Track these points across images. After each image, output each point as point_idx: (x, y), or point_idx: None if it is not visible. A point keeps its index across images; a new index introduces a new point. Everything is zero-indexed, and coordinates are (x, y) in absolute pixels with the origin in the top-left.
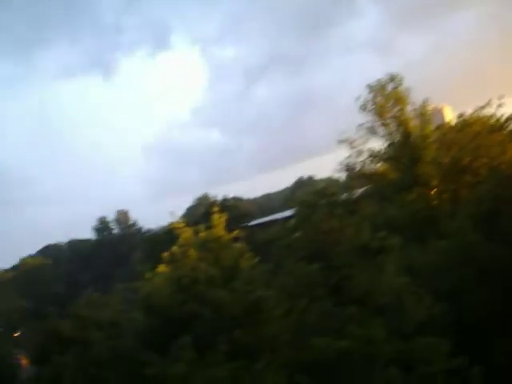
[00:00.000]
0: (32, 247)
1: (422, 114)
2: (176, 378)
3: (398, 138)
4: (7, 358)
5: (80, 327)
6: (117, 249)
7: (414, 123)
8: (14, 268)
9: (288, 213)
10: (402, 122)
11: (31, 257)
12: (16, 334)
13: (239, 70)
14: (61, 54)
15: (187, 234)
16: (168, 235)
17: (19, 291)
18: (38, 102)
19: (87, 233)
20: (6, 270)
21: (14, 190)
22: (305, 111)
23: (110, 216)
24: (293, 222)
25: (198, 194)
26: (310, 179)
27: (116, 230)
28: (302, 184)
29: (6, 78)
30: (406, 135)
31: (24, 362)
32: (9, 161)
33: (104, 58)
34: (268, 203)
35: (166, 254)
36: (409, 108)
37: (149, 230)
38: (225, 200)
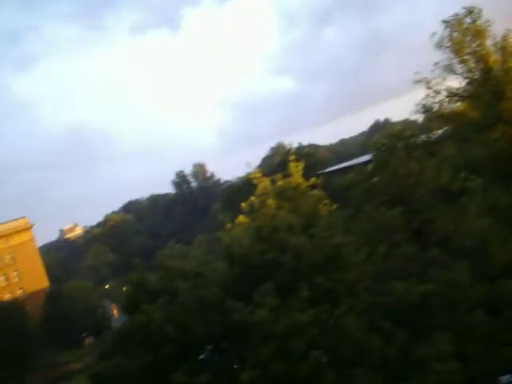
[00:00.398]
0: (115, 204)
1: (504, 47)
2: (259, 323)
3: (477, 74)
4: (99, 308)
5: (166, 278)
6: (196, 201)
7: (494, 58)
8: (100, 224)
9: (364, 158)
10: (481, 58)
11: (115, 213)
12: (106, 286)
13: (308, 14)
14: (128, 13)
15: (265, 183)
16: (246, 186)
17: (106, 246)
18: (112, 62)
19: (166, 187)
20: (93, 227)
21: (96, 149)
22: (378, 52)
23: (188, 170)
24: (370, 166)
25: (273, 143)
26: (386, 122)
27: (194, 184)
28: (378, 128)
29: (80, 41)
30: (487, 71)
31: (114, 311)
32: (89, 121)
33: (170, 13)
34: (343, 149)
35: (244, 205)
36: (489, 42)
37: (226, 182)
38: (300, 148)
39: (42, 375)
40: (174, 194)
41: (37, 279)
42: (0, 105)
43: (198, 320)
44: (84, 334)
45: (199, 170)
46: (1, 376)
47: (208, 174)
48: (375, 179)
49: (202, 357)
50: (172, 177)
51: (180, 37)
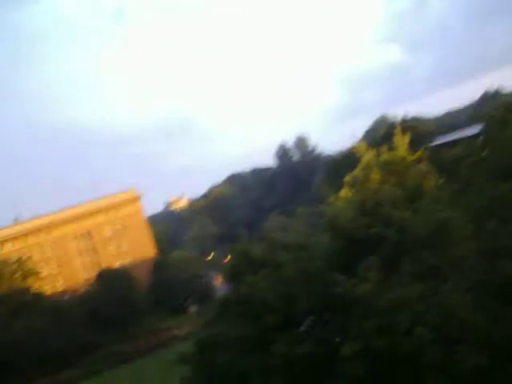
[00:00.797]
0: (219, 177)
1: None
2: (363, 297)
3: None
4: (202, 277)
5: (269, 249)
6: (298, 174)
7: None
8: (204, 197)
9: (473, 130)
10: None
11: (219, 186)
12: (209, 257)
13: None
14: None
15: (369, 156)
16: (349, 159)
17: (210, 218)
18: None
19: (269, 160)
20: (198, 199)
21: (199, 124)
22: (487, 20)
23: (290, 143)
24: (480, 139)
25: (377, 115)
26: (497, 93)
27: (296, 156)
28: (488, 98)
29: None
30: None
31: (217, 281)
32: (198, 96)
33: None
34: (450, 121)
35: (347, 178)
36: None
37: (329, 155)
38: (405, 120)
39: (146, 340)
40: (277, 167)
41: (145, 249)
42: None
43: (300, 291)
44: (187, 302)
45: (301, 142)
46: (108, 339)
47: (310, 147)
48: (486, 152)
49: (302, 328)
50: (274, 150)
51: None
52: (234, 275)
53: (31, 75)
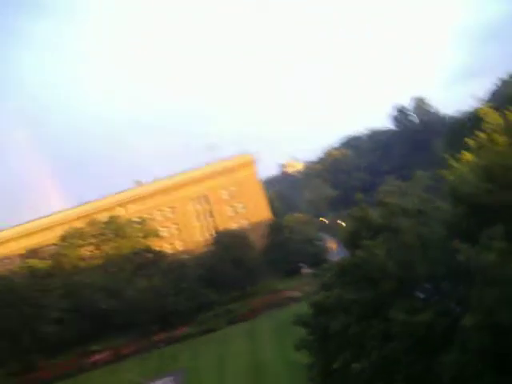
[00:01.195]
0: (335, 140)
1: None
2: (486, 267)
3: None
4: (317, 240)
5: (387, 214)
6: (416, 137)
7: None
8: (320, 160)
9: None
10: None
11: (335, 149)
12: (324, 220)
13: None
14: None
15: (494, 118)
16: (472, 121)
17: (326, 181)
18: None
19: (385, 123)
20: (314, 162)
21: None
22: None
23: (408, 104)
24: None
25: (504, 74)
26: None
27: (414, 119)
28: None
29: None
30: None
31: (332, 245)
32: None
33: None
34: None
35: (470, 141)
36: None
37: (450, 117)
38: None
39: (260, 300)
40: (394, 130)
41: (260, 211)
42: None
43: (419, 258)
44: (301, 265)
45: (420, 104)
46: (224, 298)
47: (429, 109)
48: None
49: (421, 296)
50: (391, 112)
51: None
52: (351, 240)
53: None
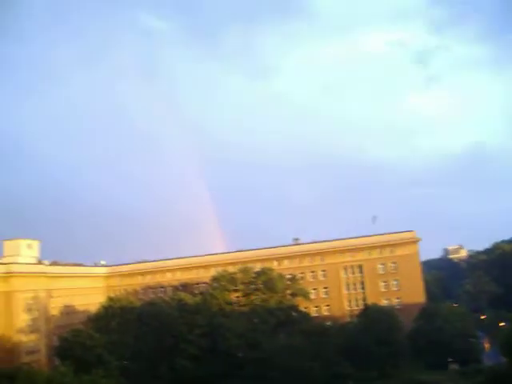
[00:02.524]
0: (506, 232)
1: None
2: None
3: None
4: (471, 337)
5: None
6: None
7: None
8: (487, 251)
9: None
10: None
11: (505, 242)
12: (482, 317)
13: None
14: None
15: None
16: None
17: (490, 274)
18: None
19: None
20: (479, 252)
21: (493, 171)
22: None
23: None
24: None
25: None
26: None
27: None
28: None
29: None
30: None
31: (487, 345)
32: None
33: None
34: None
35: None
36: None
37: None
38: None
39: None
40: None
41: (414, 292)
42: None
43: None
44: (450, 359)
45: None
46: (359, 374)
47: None
48: None
49: None
50: None
51: None
52: (509, 345)
53: None
